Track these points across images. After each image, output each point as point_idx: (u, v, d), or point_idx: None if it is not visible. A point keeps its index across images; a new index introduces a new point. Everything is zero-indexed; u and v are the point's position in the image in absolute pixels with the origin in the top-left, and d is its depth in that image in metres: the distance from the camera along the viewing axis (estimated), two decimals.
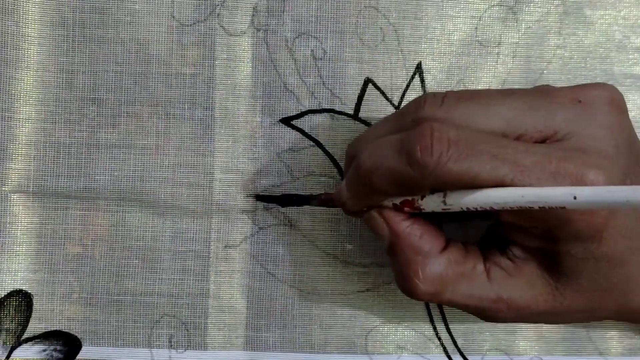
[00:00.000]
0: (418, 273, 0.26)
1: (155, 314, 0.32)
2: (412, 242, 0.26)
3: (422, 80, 0.33)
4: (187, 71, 0.32)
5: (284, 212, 0.32)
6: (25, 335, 0.32)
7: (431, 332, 0.33)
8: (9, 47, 0.31)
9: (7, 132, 0.32)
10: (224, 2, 0.32)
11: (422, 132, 0.24)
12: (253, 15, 0.32)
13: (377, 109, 0.33)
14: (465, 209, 0.25)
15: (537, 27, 0.33)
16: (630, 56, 0.33)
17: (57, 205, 0.32)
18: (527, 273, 0.27)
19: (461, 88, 0.33)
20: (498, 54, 0.33)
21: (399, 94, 0.33)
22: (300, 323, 0.33)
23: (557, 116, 0.25)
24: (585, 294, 0.27)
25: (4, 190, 0.32)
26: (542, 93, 0.26)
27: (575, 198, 0.22)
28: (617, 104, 0.26)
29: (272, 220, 0.33)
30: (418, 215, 0.27)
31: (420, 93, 0.33)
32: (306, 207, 0.32)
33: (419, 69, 0.33)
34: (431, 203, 0.26)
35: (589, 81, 0.33)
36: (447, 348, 0.33)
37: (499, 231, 0.28)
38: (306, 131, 0.33)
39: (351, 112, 0.32)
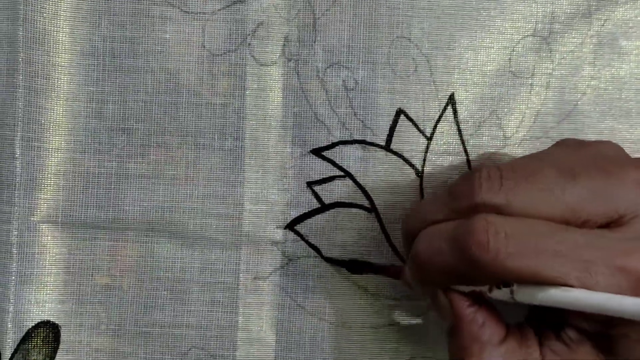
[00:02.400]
0: None
1: (183, 346, 0.32)
2: (473, 330, 0.26)
3: (455, 111, 0.32)
4: (218, 101, 0.32)
5: (314, 244, 0.32)
6: None
7: None
8: (39, 77, 0.31)
9: (36, 161, 0.31)
10: (255, 31, 0.32)
11: (477, 226, 0.23)
12: (284, 45, 0.32)
13: (409, 140, 0.32)
14: (532, 305, 0.24)
15: (571, 57, 0.33)
16: None
17: (86, 236, 0.32)
18: (580, 355, 0.26)
19: (494, 119, 0.32)
20: (531, 85, 0.32)
21: (431, 124, 0.32)
22: (330, 356, 0.32)
23: (621, 199, 0.24)
24: None
25: (32, 220, 0.31)
26: (606, 172, 0.25)
27: None
28: None
29: (302, 252, 0.32)
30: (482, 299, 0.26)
31: (453, 124, 0.32)
32: (337, 238, 0.32)
33: (451, 99, 0.32)
34: (499, 296, 0.25)
35: (623, 113, 0.33)
36: None
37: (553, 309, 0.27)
38: (337, 162, 0.32)
39: (383, 143, 0.32)
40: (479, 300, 0.26)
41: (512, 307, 0.26)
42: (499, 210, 0.24)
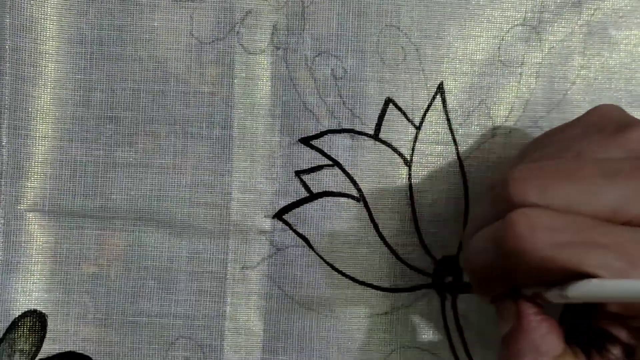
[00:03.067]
0: None
1: (170, 336, 0.32)
2: (533, 339, 0.24)
3: (444, 101, 0.32)
4: (206, 90, 0.32)
5: (302, 233, 0.32)
6: (39, 356, 0.31)
7: (451, 358, 0.32)
8: (26, 64, 0.31)
9: (23, 150, 0.31)
10: (243, 20, 0.32)
11: (514, 219, 0.23)
12: (272, 34, 0.32)
13: (397, 129, 0.32)
14: (584, 302, 0.23)
15: (560, 47, 0.32)
16: None
17: (73, 225, 0.32)
18: None
19: (483, 108, 0.32)
20: (521, 74, 0.32)
21: (420, 114, 0.32)
22: (318, 346, 0.32)
23: None
24: None
25: (19, 209, 0.31)
26: None
27: None
28: None
29: (290, 242, 0.32)
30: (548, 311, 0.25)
31: (442, 113, 0.32)
32: (325, 228, 0.32)
33: (440, 89, 0.32)
34: (553, 296, 0.24)
35: (613, 102, 0.32)
36: None
37: (592, 320, 0.26)
38: (325, 151, 0.32)
39: (371, 132, 0.32)
40: (544, 312, 0.25)
41: None
42: None
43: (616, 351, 0.25)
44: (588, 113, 0.28)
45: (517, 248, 0.22)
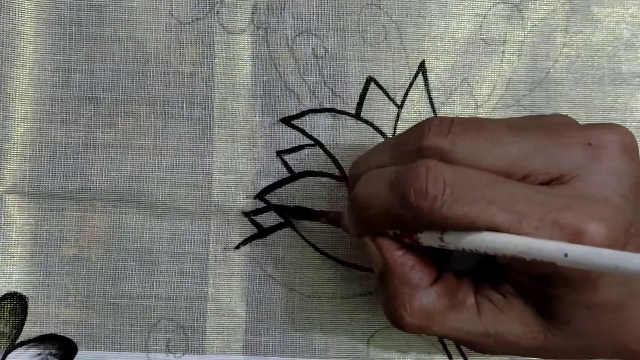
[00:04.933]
0: (405, 305, 0.25)
1: (152, 318, 0.32)
2: (403, 273, 0.25)
3: (426, 79, 0.32)
4: (186, 70, 0.32)
5: (284, 214, 0.32)
6: (20, 339, 0.31)
7: (434, 337, 0.32)
8: (4, 45, 0.31)
9: (1, 131, 0.31)
10: None
11: (417, 171, 0.23)
12: (253, 13, 0.32)
13: (379, 108, 0.32)
14: (462, 249, 0.24)
15: (543, 25, 0.32)
16: (639, 54, 0.32)
17: (53, 207, 0.31)
18: (518, 309, 0.26)
19: (465, 87, 0.32)
20: (503, 52, 0.32)
21: (401, 93, 0.32)
22: (301, 327, 0.32)
23: (564, 158, 0.24)
24: (578, 336, 0.26)
25: None
26: (553, 132, 0.25)
27: (566, 256, 0.21)
28: (629, 149, 0.25)
29: (272, 222, 0.32)
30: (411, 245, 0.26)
31: (424, 92, 0.32)
32: (307, 207, 0.32)
33: (422, 67, 0.32)
34: (429, 239, 0.25)
35: (596, 80, 0.32)
36: (451, 353, 0.32)
37: (492, 265, 0.27)
38: (307, 131, 0.32)
39: (353, 111, 0.32)
40: (407, 245, 0.26)
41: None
42: (442, 157, 0.24)
43: (509, 287, 0.26)
44: None
45: (417, 202, 0.23)
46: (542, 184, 0.24)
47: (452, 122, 0.25)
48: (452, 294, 0.26)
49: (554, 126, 0.25)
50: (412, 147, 0.25)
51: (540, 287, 0.25)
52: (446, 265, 0.27)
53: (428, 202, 0.23)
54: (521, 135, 0.24)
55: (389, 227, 0.25)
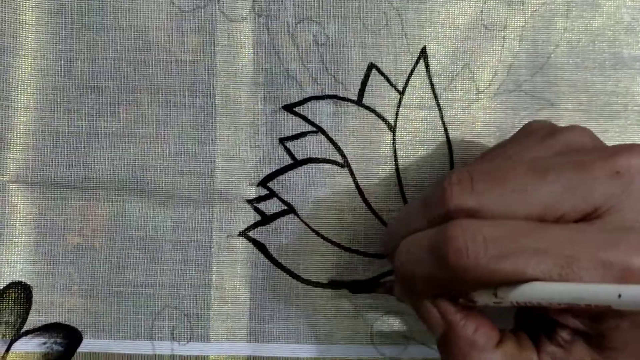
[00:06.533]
0: None
1: (156, 306, 0.32)
2: (468, 335, 0.25)
3: (427, 65, 0.32)
4: (188, 58, 0.32)
5: (287, 201, 0.32)
6: (25, 328, 0.31)
7: None
8: (6, 35, 0.31)
9: (4, 121, 0.31)
10: None
11: (452, 233, 0.23)
12: (254, 1, 0.32)
13: (381, 94, 0.32)
14: (515, 303, 0.23)
15: (543, 10, 0.32)
16: None
17: (56, 196, 0.32)
18: (577, 354, 0.25)
19: (467, 72, 0.32)
20: (504, 37, 0.32)
21: (403, 79, 0.32)
22: (304, 314, 0.32)
23: (596, 192, 0.23)
24: (633, 356, 0.25)
25: (2, 180, 0.31)
26: (577, 167, 0.24)
27: (619, 297, 0.21)
28: None
29: (276, 209, 0.32)
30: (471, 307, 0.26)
31: (425, 78, 0.32)
32: (310, 194, 0.32)
33: (423, 53, 0.32)
34: (484, 297, 0.24)
35: (597, 65, 0.32)
36: None
37: (540, 310, 0.26)
38: (309, 118, 0.32)
39: (355, 98, 0.32)
40: (466, 307, 0.25)
41: (498, 318, 0.26)
42: (473, 215, 0.24)
43: (564, 334, 0.25)
44: (522, 127, 0.29)
45: (459, 263, 0.23)
46: (577, 221, 0.24)
47: (472, 178, 0.24)
48: (517, 355, 0.25)
49: (575, 157, 0.25)
50: (440, 211, 0.24)
51: (596, 324, 0.24)
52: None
53: (470, 260, 0.23)
54: (546, 177, 0.24)
55: (438, 291, 0.25)
